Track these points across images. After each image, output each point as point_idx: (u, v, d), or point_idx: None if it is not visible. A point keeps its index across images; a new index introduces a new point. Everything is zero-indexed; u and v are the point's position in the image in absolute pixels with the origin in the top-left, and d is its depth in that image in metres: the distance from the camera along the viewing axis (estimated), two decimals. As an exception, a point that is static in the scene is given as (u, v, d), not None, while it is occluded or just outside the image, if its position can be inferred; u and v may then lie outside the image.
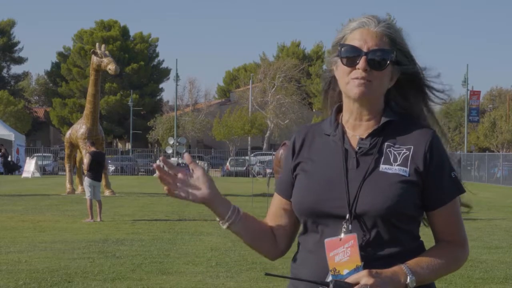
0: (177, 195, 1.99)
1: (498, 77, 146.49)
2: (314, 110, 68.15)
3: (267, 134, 63.15)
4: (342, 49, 2.01)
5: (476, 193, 2.23)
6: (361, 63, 1.96)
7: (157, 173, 1.98)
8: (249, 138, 60.84)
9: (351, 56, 1.99)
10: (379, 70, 1.98)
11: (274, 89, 63.33)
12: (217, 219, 2.06)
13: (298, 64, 65.40)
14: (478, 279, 8.41)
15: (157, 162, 2.01)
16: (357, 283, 1.84)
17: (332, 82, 2.14)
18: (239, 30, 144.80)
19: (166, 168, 1.99)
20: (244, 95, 66.53)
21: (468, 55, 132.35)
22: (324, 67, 2.22)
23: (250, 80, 64.86)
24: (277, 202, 2.16)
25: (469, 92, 54.71)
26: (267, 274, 1.97)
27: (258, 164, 49.86)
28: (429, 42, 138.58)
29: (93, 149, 16.09)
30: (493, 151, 57.16)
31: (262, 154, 56.23)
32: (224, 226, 2.04)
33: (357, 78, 1.97)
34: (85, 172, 15.60)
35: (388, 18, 2.07)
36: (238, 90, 70.54)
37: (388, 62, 1.98)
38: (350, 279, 1.85)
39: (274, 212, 2.16)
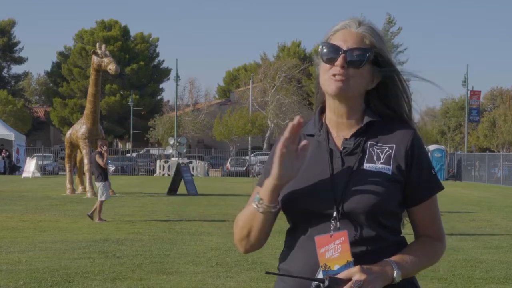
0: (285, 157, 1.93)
1: (498, 77, 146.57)
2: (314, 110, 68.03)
3: (267, 134, 63.14)
4: (323, 48, 2.09)
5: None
6: (339, 60, 2.03)
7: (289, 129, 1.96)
8: (249, 138, 60.83)
9: (331, 54, 2.06)
10: (356, 68, 2.04)
11: (274, 89, 63.31)
12: (258, 199, 1.99)
13: (299, 64, 65.33)
14: (478, 279, 8.40)
15: (298, 118, 1.99)
16: (349, 279, 1.88)
17: (318, 84, 2.19)
18: (239, 30, 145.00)
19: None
20: (244, 95, 66.52)
21: (468, 55, 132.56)
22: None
23: (251, 80, 64.84)
24: None
25: (469, 92, 54.73)
26: (267, 273, 2.03)
27: (258, 164, 49.82)
28: (429, 42, 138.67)
29: (98, 150, 16.12)
30: (493, 151, 57.17)
31: (262, 154, 56.21)
32: (261, 210, 1.99)
33: (334, 75, 2.04)
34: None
35: (370, 22, 2.13)
36: (238, 90, 70.52)
37: (365, 60, 2.04)
38: (342, 275, 1.89)
39: None
